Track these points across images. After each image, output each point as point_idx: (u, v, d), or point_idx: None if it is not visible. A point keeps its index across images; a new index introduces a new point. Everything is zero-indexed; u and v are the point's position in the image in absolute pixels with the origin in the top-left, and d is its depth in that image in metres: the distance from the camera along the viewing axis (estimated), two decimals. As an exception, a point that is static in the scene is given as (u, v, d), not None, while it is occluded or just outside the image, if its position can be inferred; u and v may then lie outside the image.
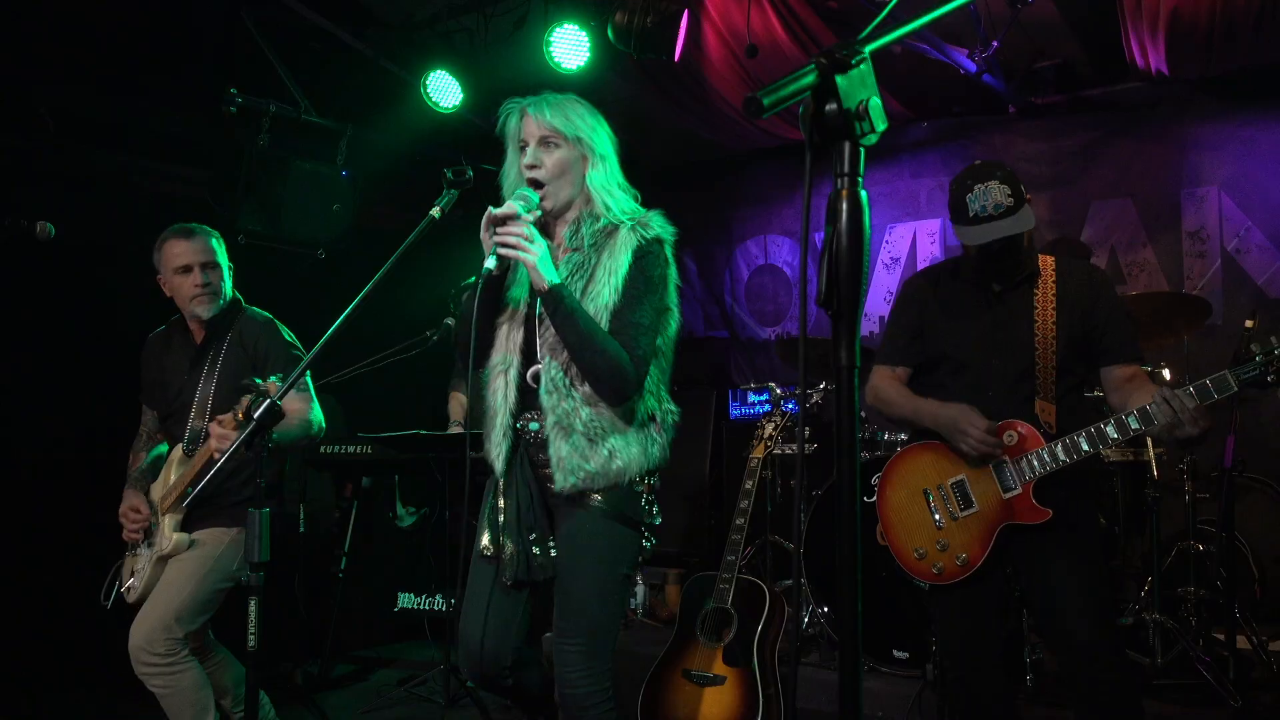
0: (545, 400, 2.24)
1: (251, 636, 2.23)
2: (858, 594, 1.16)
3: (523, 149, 2.25)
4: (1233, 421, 3.47)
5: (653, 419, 2.32)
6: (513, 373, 2.32)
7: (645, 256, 2.21)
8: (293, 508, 4.53)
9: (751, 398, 5.59)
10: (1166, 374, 3.66)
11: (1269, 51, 4.25)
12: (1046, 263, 2.65)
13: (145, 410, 3.26)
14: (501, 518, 2.33)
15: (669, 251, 2.28)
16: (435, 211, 2.28)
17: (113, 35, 4.21)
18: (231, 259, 3.25)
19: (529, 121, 2.24)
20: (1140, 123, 4.98)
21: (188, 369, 3.11)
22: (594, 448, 2.20)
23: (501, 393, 2.33)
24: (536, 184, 2.23)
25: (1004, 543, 2.48)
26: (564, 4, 4.32)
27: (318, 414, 3.07)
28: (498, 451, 2.34)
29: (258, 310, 3.22)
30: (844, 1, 4.37)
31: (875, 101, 1.11)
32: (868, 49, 1.12)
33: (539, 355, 2.28)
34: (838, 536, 1.18)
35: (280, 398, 2.21)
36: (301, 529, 4.56)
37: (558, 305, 2.14)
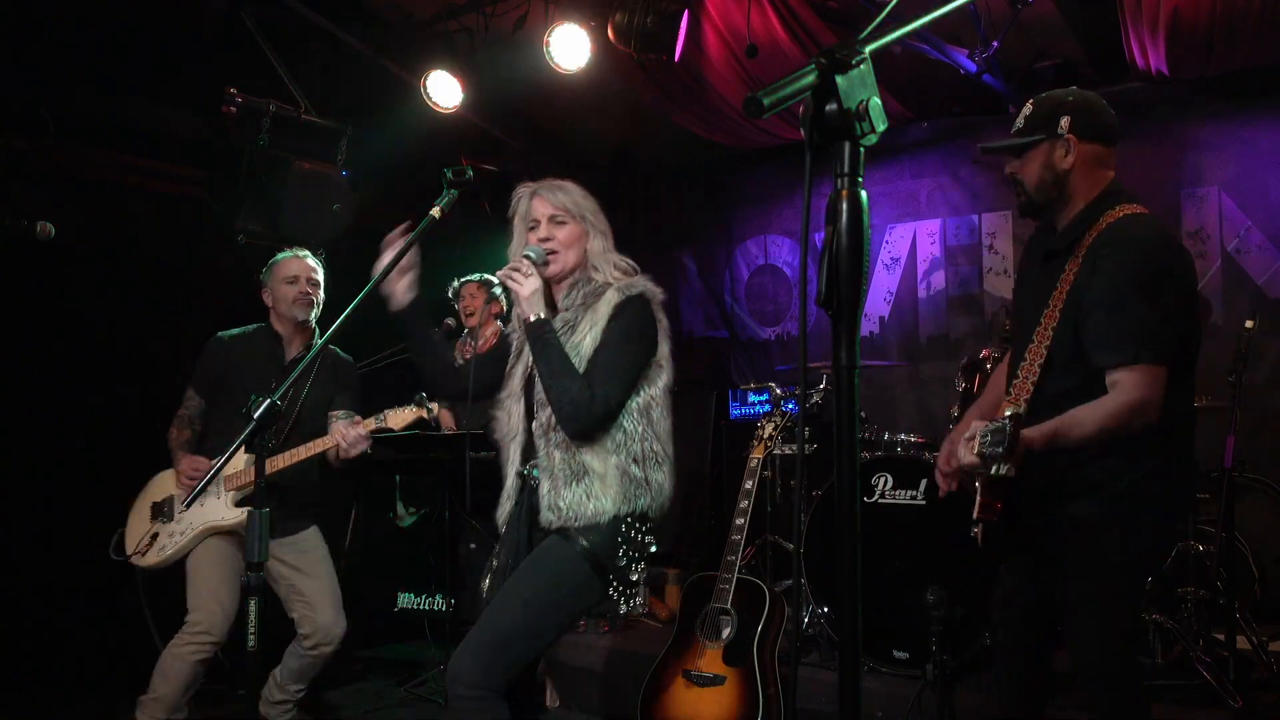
0: (539, 444, 2.40)
1: (251, 636, 2.22)
2: (858, 594, 1.16)
3: (533, 227, 2.46)
4: (1233, 421, 3.47)
5: (641, 469, 2.36)
6: (519, 436, 2.49)
7: (625, 309, 2.36)
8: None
9: (751, 398, 5.59)
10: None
11: (1269, 51, 4.24)
12: (1109, 221, 2.21)
13: (191, 396, 3.52)
14: (495, 562, 2.48)
15: (656, 310, 2.41)
16: (435, 211, 2.36)
17: (112, 35, 4.21)
18: (231, 259, 3.29)
19: (539, 202, 2.46)
20: (1140, 123, 4.96)
21: (278, 375, 3.41)
22: (569, 489, 2.32)
23: (511, 450, 2.50)
24: (548, 252, 2.44)
25: (998, 543, 2.26)
26: (564, 4, 4.31)
27: None
28: (505, 505, 2.50)
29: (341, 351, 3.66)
30: (844, 1, 4.37)
31: (875, 101, 1.10)
32: (868, 49, 1.12)
33: (536, 405, 2.43)
34: (838, 536, 1.18)
35: (276, 397, 2.24)
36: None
37: (537, 336, 2.33)
